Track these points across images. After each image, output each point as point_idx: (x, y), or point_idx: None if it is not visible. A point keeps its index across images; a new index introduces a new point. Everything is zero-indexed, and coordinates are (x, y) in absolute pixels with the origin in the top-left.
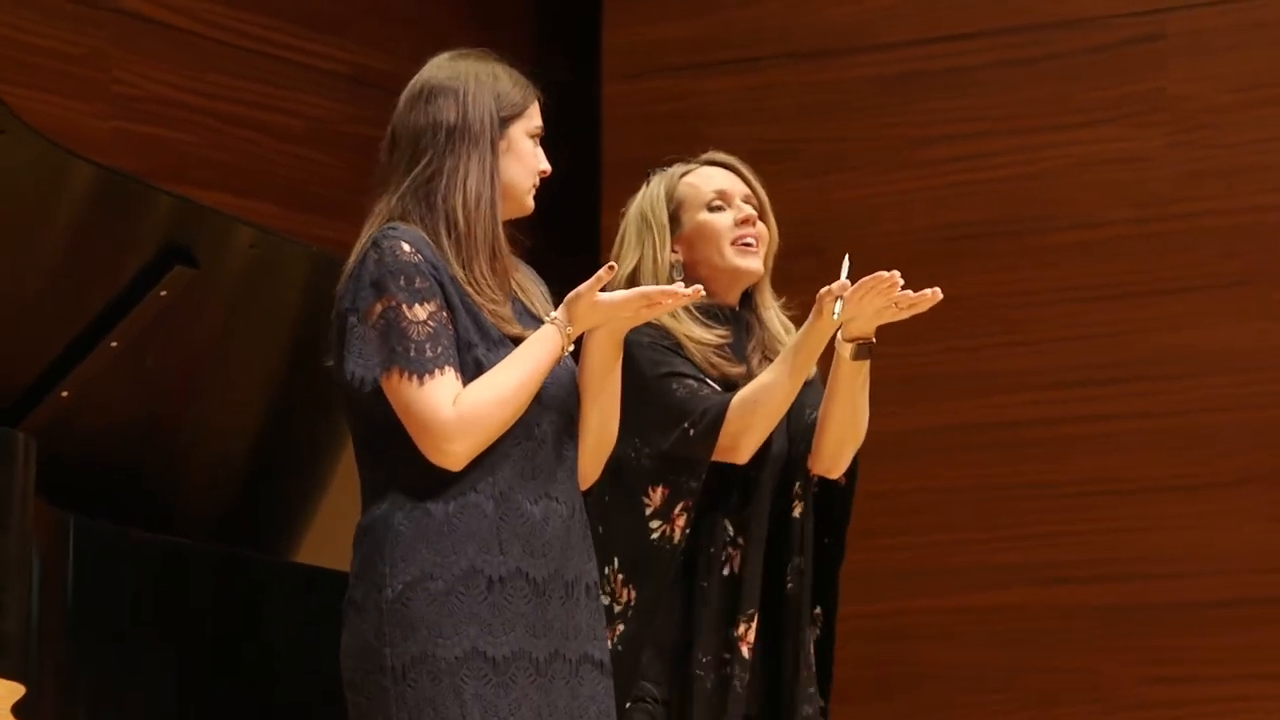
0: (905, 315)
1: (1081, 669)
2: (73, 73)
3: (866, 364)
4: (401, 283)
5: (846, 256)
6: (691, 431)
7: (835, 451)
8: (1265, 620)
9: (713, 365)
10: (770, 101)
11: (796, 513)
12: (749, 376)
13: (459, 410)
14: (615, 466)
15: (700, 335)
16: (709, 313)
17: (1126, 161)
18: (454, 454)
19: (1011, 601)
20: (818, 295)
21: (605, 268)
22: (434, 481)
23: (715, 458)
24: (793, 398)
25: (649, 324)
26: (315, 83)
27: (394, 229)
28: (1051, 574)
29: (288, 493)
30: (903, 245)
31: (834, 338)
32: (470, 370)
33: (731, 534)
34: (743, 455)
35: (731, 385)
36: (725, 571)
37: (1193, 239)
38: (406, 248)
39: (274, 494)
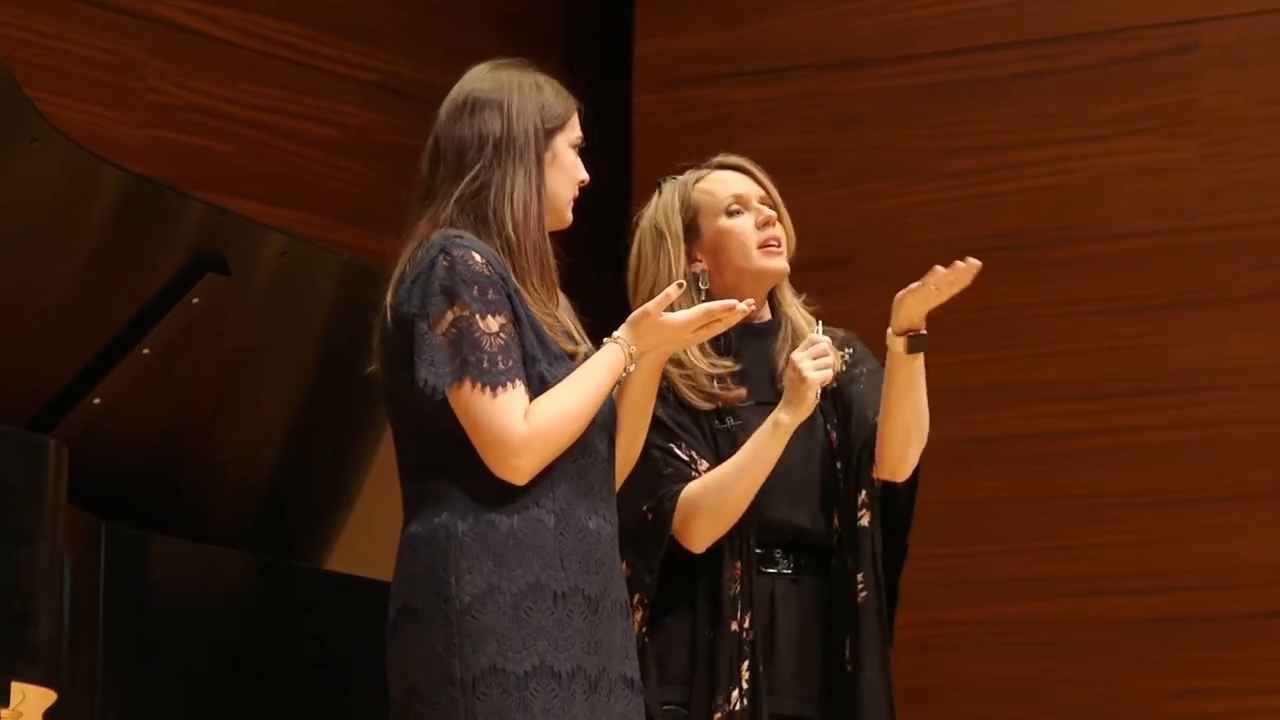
0: (946, 295)
1: (1113, 681)
2: (107, 81)
3: (920, 357)
4: (475, 292)
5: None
6: (650, 516)
7: (900, 454)
8: None
9: (709, 396)
10: (800, 112)
11: (864, 521)
12: (755, 395)
13: (531, 425)
14: None
15: (697, 365)
16: (714, 342)
17: (1157, 173)
18: (521, 469)
19: (1042, 614)
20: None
21: (674, 285)
22: (497, 493)
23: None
24: (754, 489)
25: None
26: (349, 91)
27: (461, 238)
28: (1080, 586)
29: (317, 499)
30: (932, 256)
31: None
32: (535, 385)
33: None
34: (695, 546)
35: (732, 411)
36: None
37: (1222, 251)
38: (478, 258)
39: (303, 501)
